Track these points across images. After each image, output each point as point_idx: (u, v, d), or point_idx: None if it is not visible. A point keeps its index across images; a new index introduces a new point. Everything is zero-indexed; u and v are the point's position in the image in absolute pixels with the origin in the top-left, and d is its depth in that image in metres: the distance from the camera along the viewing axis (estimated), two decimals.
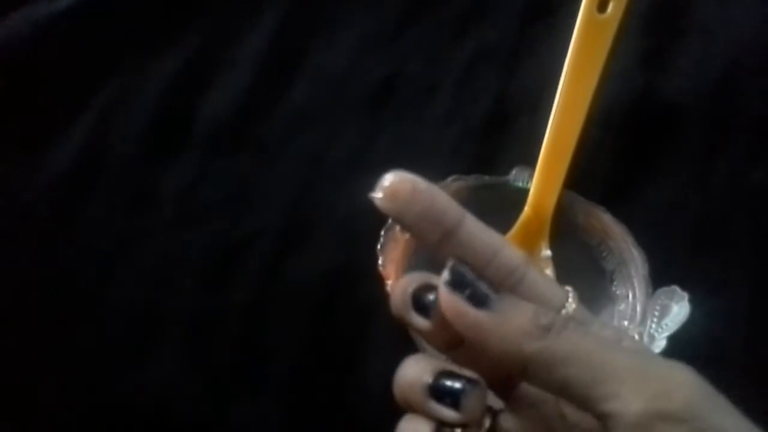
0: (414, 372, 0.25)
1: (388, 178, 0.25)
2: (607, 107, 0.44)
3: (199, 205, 0.43)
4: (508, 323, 0.22)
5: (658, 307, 0.37)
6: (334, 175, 0.44)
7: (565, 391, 0.22)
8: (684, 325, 0.36)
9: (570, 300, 0.24)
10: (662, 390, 0.21)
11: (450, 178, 0.38)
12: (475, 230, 0.25)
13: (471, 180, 0.39)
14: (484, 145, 0.44)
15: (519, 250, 0.25)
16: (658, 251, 0.37)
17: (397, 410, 0.38)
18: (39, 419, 0.38)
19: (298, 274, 0.41)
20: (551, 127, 0.38)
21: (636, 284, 0.36)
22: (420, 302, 0.24)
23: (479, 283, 0.23)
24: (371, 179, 0.43)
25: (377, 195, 0.25)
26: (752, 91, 0.45)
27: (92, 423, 0.37)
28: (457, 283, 0.23)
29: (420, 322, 0.24)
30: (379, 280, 0.36)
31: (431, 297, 0.24)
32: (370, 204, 0.41)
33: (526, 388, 0.26)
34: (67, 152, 0.44)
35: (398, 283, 0.25)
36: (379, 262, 0.36)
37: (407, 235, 0.37)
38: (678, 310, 0.37)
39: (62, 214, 0.42)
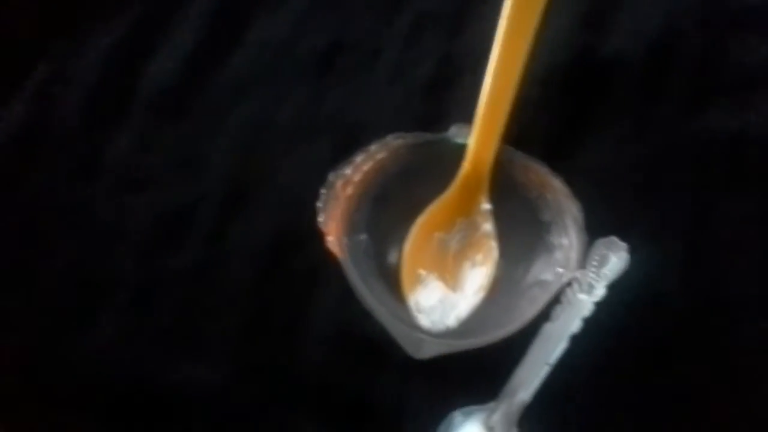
0: None
1: None
2: (548, 66, 0.45)
3: (144, 171, 0.43)
4: None
5: (597, 257, 0.38)
6: (279, 138, 0.44)
7: None
8: (622, 274, 0.38)
9: None
10: None
11: (390, 136, 0.39)
12: None
13: (410, 137, 0.39)
14: (428, 105, 0.45)
15: None
16: (597, 204, 0.38)
17: (341, 370, 0.39)
18: None
19: (243, 235, 0.41)
20: (487, 84, 0.39)
21: (572, 233, 0.37)
22: None
23: None
24: (317, 142, 0.44)
25: None
26: (686, 49, 0.46)
27: (37, 387, 0.38)
28: None
29: None
30: (318, 235, 0.36)
31: None
32: (316, 166, 0.42)
33: None
34: (10, 121, 0.44)
35: None
36: (320, 219, 0.37)
37: (348, 193, 0.38)
38: (616, 259, 0.38)
39: (6, 181, 0.42)
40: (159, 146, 0.43)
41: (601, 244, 0.38)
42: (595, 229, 0.38)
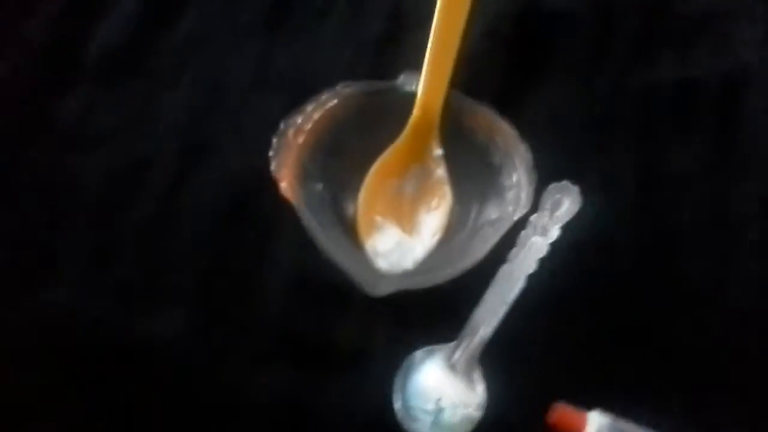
0: None
1: None
2: (495, 17, 0.45)
3: (97, 130, 0.43)
4: None
5: (550, 201, 0.39)
6: (232, 94, 0.44)
7: None
8: (575, 216, 0.39)
9: None
10: None
11: (340, 85, 0.39)
12: None
13: (360, 86, 0.39)
14: (378, 60, 0.45)
15: None
16: (550, 149, 0.39)
17: (303, 314, 0.39)
18: None
19: (200, 188, 0.41)
20: (434, 31, 0.39)
21: (521, 173, 0.38)
22: None
23: None
24: (269, 97, 0.44)
25: None
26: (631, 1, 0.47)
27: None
28: None
29: None
30: (273, 186, 0.36)
31: None
32: (269, 120, 0.43)
33: None
34: None
35: None
36: (272, 166, 0.37)
37: (299, 141, 0.38)
38: (569, 202, 0.39)
39: None
40: (111, 105, 0.43)
41: (554, 188, 0.39)
42: (547, 175, 0.39)
